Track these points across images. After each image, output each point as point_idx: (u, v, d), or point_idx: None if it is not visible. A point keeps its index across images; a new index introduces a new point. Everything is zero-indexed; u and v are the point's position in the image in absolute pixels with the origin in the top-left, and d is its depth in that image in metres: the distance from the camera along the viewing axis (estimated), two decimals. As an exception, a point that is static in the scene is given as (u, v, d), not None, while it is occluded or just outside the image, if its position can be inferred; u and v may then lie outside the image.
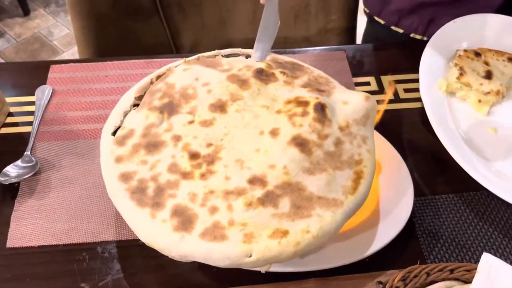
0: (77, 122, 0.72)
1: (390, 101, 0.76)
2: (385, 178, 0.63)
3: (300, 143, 0.52)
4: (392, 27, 0.94)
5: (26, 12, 2.26)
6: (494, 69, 0.75)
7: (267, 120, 0.55)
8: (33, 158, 0.65)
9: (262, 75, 0.59)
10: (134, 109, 0.58)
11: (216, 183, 0.50)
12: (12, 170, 0.64)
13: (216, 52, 0.65)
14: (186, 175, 0.51)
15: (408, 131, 0.73)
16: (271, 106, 0.56)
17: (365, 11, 1.00)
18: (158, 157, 0.52)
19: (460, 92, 0.73)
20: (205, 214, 0.48)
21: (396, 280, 0.48)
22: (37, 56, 2.10)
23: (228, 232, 0.47)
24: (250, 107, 0.56)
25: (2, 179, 0.62)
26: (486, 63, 0.76)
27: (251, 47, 0.67)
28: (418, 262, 0.52)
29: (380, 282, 0.52)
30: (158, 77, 0.61)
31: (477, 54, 0.77)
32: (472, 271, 0.48)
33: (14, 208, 0.61)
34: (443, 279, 0.49)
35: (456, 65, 0.75)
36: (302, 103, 0.55)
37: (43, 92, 0.74)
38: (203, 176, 0.51)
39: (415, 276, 0.49)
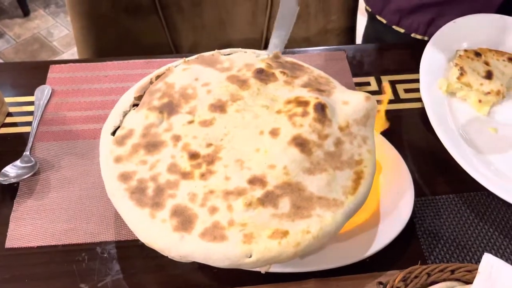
0: (76, 122, 0.71)
1: (391, 101, 0.76)
2: (386, 178, 0.63)
3: (300, 143, 0.52)
4: (393, 27, 0.94)
5: (25, 13, 2.26)
6: (495, 69, 0.75)
7: (267, 120, 0.55)
8: (32, 158, 0.65)
9: (262, 75, 0.59)
10: (134, 109, 0.58)
11: (216, 183, 0.50)
12: (11, 170, 0.63)
13: (215, 52, 0.65)
14: (185, 175, 0.51)
15: (408, 131, 0.73)
16: (271, 106, 0.56)
17: (366, 10, 1.00)
18: (157, 157, 0.52)
19: (461, 92, 0.73)
20: (205, 214, 0.48)
21: (396, 281, 0.48)
22: (37, 56, 2.10)
23: (228, 233, 0.46)
24: (250, 107, 0.56)
25: (1, 179, 0.62)
26: (487, 63, 0.76)
27: (251, 47, 0.67)
28: (419, 263, 0.52)
29: (380, 283, 0.52)
30: (158, 77, 0.61)
31: (477, 54, 0.76)
32: (473, 272, 0.48)
33: (13, 208, 0.61)
34: (444, 280, 0.49)
35: (456, 65, 0.75)
36: (302, 103, 0.55)
37: (42, 92, 0.74)
38: (203, 176, 0.50)
39: (416, 277, 0.49)
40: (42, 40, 2.17)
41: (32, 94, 0.74)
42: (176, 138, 0.54)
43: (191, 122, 0.55)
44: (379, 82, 0.79)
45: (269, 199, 0.48)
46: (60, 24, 2.25)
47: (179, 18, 1.05)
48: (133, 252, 0.58)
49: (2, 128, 0.71)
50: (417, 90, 0.73)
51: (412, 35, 0.92)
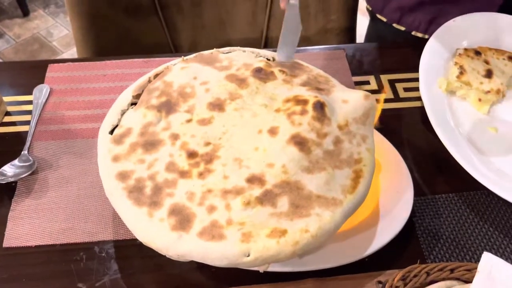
0: (74, 121, 0.71)
1: (390, 100, 0.76)
2: (385, 177, 0.62)
3: (299, 142, 0.51)
4: (394, 25, 0.93)
5: (25, 13, 2.26)
6: (494, 68, 0.75)
7: (266, 119, 0.55)
8: (30, 158, 0.65)
9: (261, 74, 0.59)
10: (132, 108, 0.58)
11: (214, 182, 0.49)
12: (9, 170, 0.63)
13: (214, 50, 0.64)
14: (184, 174, 0.50)
15: (408, 130, 0.72)
16: (270, 104, 0.56)
17: (367, 9, 1.00)
18: (155, 156, 0.52)
19: (460, 91, 0.73)
20: (203, 213, 0.48)
21: (396, 280, 0.48)
22: (37, 56, 2.10)
23: (226, 232, 0.46)
24: (248, 105, 0.56)
25: (-1, 178, 0.62)
26: (486, 62, 0.75)
27: (250, 47, 0.66)
28: (418, 262, 0.52)
29: (379, 282, 0.52)
30: (156, 75, 0.61)
31: (477, 53, 0.76)
32: (472, 271, 0.48)
33: (11, 207, 0.61)
34: (443, 279, 0.49)
35: (456, 64, 0.74)
36: (301, 101, 0.55)
37: (40, 91, 0.74)
38: (201, 175, 0.50)
39: (415, 276, 0.48)
40: (41, 40, 2.17)
41: (31, 93, 0.74)
42: (174, 137, 0.53)
43: (189, 120, 0.55)
44: (378, 81, 0.78)
45: (267, 198, 0.48)
46: (59, 24, 2.25)
47: (179, 18, 1.05)
48: (131, 251, 0.58)
49: (0, 127, 0.70)
50: (416, 89, 0.73)
51: (413, 33, 0.92)
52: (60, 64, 0.79)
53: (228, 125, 0.54)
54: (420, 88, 0.71)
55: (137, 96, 0.59)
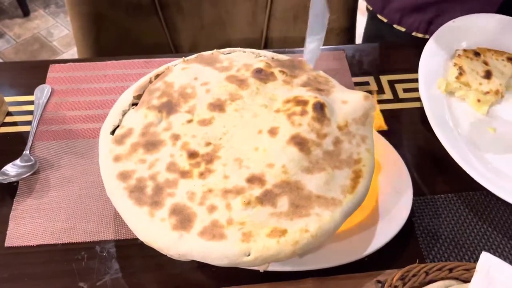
0: (76, 121, 0.72)
1: (390, 101, 0.76)
2: (384, 177, 0.63)
3: (299, 142, 0.52)
4: (394, 26, 0.94)
5: (25, 13, 2.26)
6: (494, 68, 0.75)
7: (266, 119, 0.55)
8: (32, 157, 0.65)
9: (261, 75, 0.59)
10: (133, 108, 0.58)
11: (215, 182, 0.50)
12: (11, 169, 0.63)
13: (215, 51, 0.65)
14: (184, 174, 0.51)
15: (407, 130, 0.73)
16: (270, 105, 0.56)
17: (367, 9, 1.00)
18: (156, 156, 0.52)
19: (459, 92, 0.73)
20: (204, 213, 0.48)
21: (395, 279, 0.48)
22: (37, 56, 2.10)
23: (226, 231, 0.47)
24: (249, 106, 0.56)
25: (1, 178, 0.62)
26: (486, 63, 0.76)
27: (251, 47, 0.67)
28: (417, 261, 0.52)
29: (379, 281, 0.52)
30: (157, 76, 0.61)
31: (477, 53, 0.77)
32: (471, 270, 0.48)
33: (13, 207, 0.61)
34: (442, 278, 0.49)
35: (455, 64, 0.75)
36: (301, 102, 0.55)
37: (42, 92, 0.74)
38: (201, 175, 0.51)
39: (414, 275, 0.49)
40: (42, 40, 2.17)
41: (32, 94, 0.74)
42: (175, 137, 0.54)
43: (190, 121, 0.55)
44: (378, 82, 0.79)
45: (267, 198, 0.48)
46: (60, 24, 2.25)
47: (179, 18, 1.05)
48: (132, 251, 0.58)
49: (2, 127, 0.71)
50: (416, 89, 0.74)
51: (413, 33, 0.92)
52: (61, 64, 0.79)
53: (229, 125, 0.54)
54: (420, 89, 0.72)
55: (138, 97, 0.59)
